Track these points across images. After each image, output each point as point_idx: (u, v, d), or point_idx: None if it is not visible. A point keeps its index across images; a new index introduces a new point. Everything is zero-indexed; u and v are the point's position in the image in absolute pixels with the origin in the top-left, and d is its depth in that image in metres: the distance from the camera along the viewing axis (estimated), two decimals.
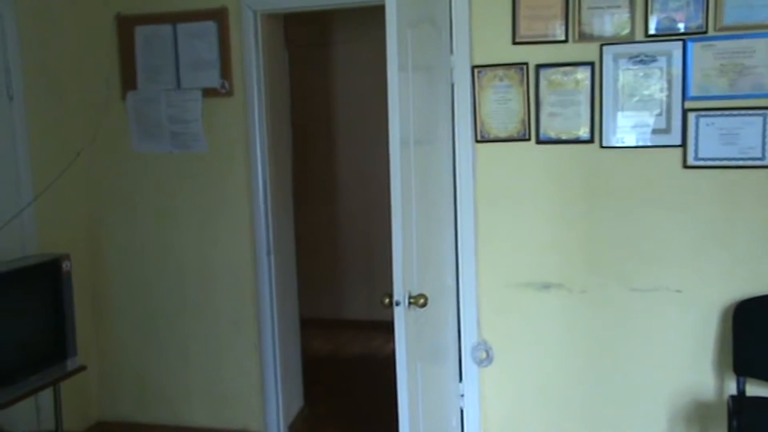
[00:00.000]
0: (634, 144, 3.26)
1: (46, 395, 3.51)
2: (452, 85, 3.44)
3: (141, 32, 3.92)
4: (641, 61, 3.20)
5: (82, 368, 3.39)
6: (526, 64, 3.35)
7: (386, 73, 2.55)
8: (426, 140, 3.10)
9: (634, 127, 3.25)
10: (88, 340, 4.09)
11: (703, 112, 3.15)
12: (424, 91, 3.06)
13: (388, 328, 2.65)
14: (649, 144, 3.24)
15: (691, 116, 3.16)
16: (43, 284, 3.23)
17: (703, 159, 3.17)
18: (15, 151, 3.64)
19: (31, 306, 3.20)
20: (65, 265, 3.28)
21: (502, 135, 3.42)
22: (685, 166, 3.20)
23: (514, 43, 3.36)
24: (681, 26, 3.14)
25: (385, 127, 2.56)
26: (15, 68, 3.61)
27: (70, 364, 3.33)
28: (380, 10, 2.56)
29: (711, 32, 3.12)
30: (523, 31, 3.34)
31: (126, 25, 3.93)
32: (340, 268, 6.31)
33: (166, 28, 3.87)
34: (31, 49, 3.72)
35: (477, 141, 3.46)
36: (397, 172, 2.57)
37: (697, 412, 3.31)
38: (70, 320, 3.32)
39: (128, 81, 3.97)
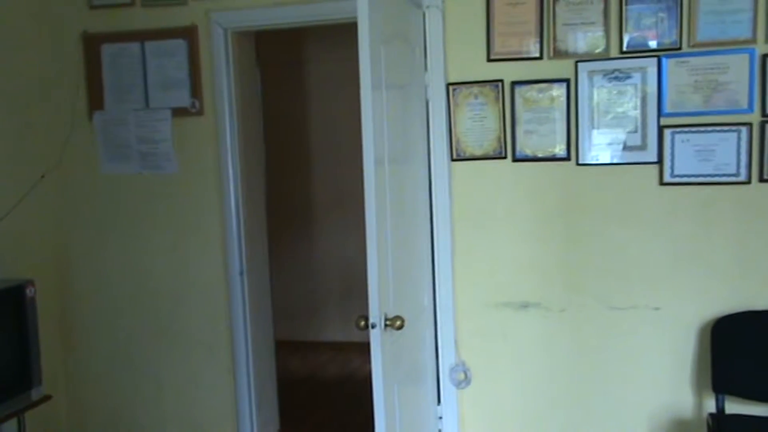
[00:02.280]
0: (610, 161, 3.24)
1: (11, 426, 3.39)
2: (427, 103, 3.41)
3: (108, 50, 3.83)
4: (616, 78, 3.19)
5: (47, 398, 3.28)
6: (501, 81, 3.32)
7: (360, 91, 2.50)
8: (401, 159, 3.05)
9: (610, 144, 3.23)
10: (56, 368, 3.97)
11: (678, 129, 3.14)
12: (399, 109, 3.02)
13: (366, 349, 2.59)
14: (625, 161, 3.22)
15: (667, 133, 3.15)
16: (6, 311, 3.12)
17: (679, 176, 3.15)
18: None
19: None
20: (29, 291, 3.17)
21: (478, 153, 3.39)
22: (662, 183, 3.18)
23: (489, 60, 3.34)
24: (655, 43, 3.14)
25: (361, 146, 2.52)
26: None
27: (35, 394, 3.22)
28: (353, 27, 2.51)
29: (685, 48, 3.11)
30: (498, 48, 3.31)
31: (92, 44, 3.85)
32: (317, 288, 6.24)
33: (134, 47, 3.80)
34: None
35: (453, 159, 3.42)
36: (371, 192, 2.51)
37: (677, 431, 3.27)
38: (35, 348, 3.21)
39: (95, 100, 3.88)
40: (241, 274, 3.83)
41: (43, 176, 3.89)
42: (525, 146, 3.33)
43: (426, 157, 3.42)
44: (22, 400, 3.16)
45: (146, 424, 4.05)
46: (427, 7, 3.36)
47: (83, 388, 4.11)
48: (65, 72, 3.92)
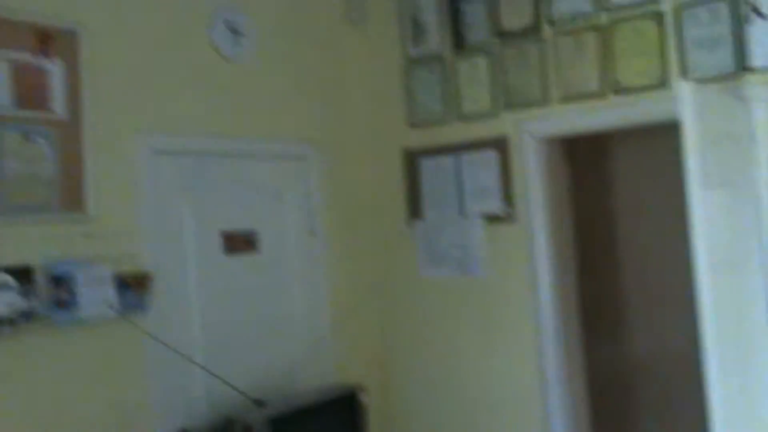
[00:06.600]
0: None
1: None
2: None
3: (425, 163, 4.11)
4: None
5: None
6: None
7: (678, 190, 2.37)
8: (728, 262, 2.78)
9: None
10: None
11: None
12: (724, 207, 2.79)
13: None
14: None
15: None
16: (341, 417, 3.29)
17: None
18: (316, 282, 3.92)
19: None
20: (362, 397, 3.33)
21: None
22: None
23: None
24: None
25: (681, 248, 2.36)
26: (318, 209, 3.98)
27: None
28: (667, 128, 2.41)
29: None
30: None
31: (412, 157, 4.16)
32: (632, 397, 5.84)
33: (448, 159, 4.03)
34: (329, 189, 4.06)
35: None
36: (707, 307, 2.30)
37: None
38: None
39: (414, 209, 4.15)
40: (559, 384, 3.73)
41: (372, 284, 4.21)
42: None
43: (762, 259, 3.08)
44: None
45: None
46: (754, 101, 3.10)
47: None
48: (389, 186, 4.26)
